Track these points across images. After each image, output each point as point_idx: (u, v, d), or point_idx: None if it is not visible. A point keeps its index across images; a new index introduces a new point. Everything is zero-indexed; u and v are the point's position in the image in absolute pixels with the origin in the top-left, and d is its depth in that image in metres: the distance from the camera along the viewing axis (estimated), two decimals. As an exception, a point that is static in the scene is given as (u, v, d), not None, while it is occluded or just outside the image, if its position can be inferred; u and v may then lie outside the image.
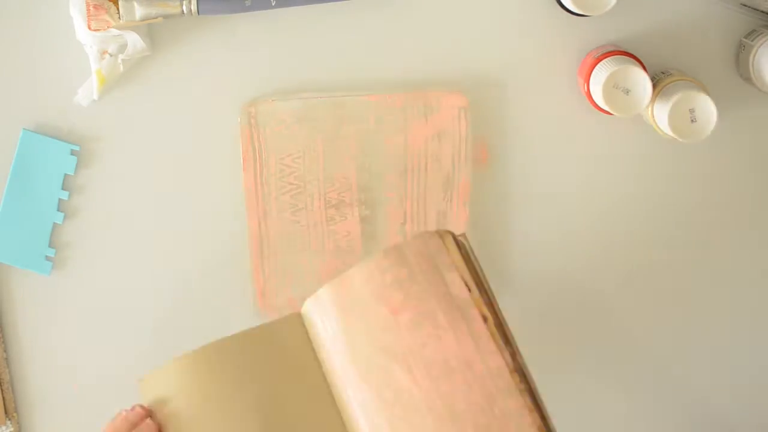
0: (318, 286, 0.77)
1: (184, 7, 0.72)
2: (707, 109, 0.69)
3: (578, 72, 0.75)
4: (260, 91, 0.76)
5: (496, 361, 0.60)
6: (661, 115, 0.70)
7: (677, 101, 0.69)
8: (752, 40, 0.72)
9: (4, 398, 0.80)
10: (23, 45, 0.75)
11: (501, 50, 0.76)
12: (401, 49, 0.76)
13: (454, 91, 0.75)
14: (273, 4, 0.72)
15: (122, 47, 0.73)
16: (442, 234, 0.64)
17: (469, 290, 0.61)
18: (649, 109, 0.72)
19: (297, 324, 0.67)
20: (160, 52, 0.75)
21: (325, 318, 0.65)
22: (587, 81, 0.72)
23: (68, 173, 0.77)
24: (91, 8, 0.71)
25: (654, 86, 0.71)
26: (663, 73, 0.73)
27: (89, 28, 0.71)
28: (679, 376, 0.81)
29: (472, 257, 0.66)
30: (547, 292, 0.80)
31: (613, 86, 0.70)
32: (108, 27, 0.71)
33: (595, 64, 0.71)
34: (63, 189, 0.77)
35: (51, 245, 0.78)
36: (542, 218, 0.78)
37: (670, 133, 0.70)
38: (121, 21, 0.71)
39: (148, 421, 0.65)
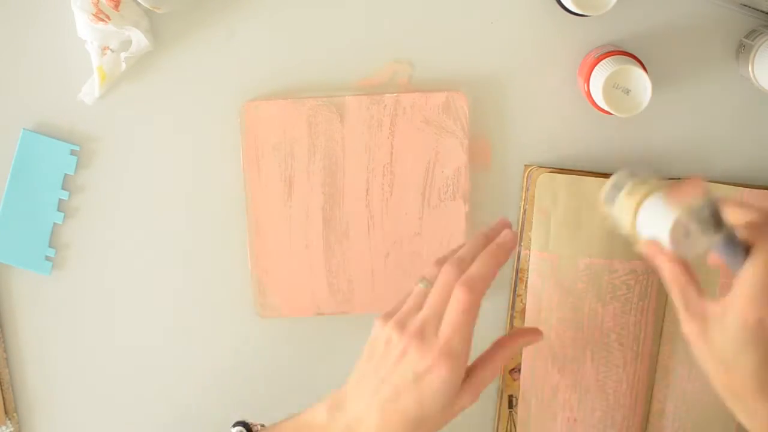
0: (317, 286, 0.77)
1: None
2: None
3: (578, 72, 0.75)
4: (260, 91, 0.76)
5: None
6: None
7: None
8: (752, 40, 0.72)
9: (4, 398, 0.80)
10: (23, 45, 0.75)
11: (501, 50, 0.76)
12: (402, 49, 0.76)
13: (454, 91, 0.75)
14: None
15: (123, 44, 0.73)
16: None
17: None
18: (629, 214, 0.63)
19: None
20: (160, 52, 0.75)
21: None
22: (587, 81, 0.72)
23: (68, 173, 0.77)
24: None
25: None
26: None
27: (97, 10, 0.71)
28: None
29: None
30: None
31: (613, 86, 0.70)
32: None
33: (595, 64, 0.71)
34: (63, 189, 0.77)
35: (51, 245, 0.78)
36: (542, 218, 0.78)
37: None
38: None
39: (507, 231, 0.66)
